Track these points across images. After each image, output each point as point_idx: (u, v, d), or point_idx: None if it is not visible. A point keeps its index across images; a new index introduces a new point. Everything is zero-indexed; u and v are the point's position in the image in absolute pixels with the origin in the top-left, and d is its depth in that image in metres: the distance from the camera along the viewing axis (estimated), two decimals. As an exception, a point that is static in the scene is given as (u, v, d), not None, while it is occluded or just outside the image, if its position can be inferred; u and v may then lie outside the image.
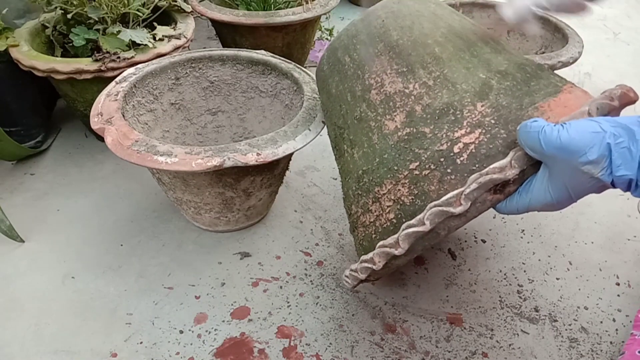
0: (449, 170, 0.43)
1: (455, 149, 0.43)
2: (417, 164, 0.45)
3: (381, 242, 0.46)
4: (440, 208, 0.41)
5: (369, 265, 0.48)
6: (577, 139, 0.36)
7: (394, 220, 0.46)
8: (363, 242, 0.51)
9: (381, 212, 0.47)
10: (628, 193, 0.37)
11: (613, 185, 0.37)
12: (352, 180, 0.52)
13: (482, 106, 0.44)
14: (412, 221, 0.43)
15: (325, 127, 0.62)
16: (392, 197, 0.46)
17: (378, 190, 0.47)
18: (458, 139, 0.43)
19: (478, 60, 0.48)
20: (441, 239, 0.44)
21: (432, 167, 0.44)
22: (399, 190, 0.45)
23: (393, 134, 0.47)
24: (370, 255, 0.47)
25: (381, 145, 0.48)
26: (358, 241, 0.53)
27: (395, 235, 0.44)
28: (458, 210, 0.40)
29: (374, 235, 0.49)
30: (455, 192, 0.41)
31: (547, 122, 0.39)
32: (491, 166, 0.40)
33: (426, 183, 0.44)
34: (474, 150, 0.42)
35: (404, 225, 0.44)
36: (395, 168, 0.46)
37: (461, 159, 0.43)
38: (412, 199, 0.44)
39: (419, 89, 0.47)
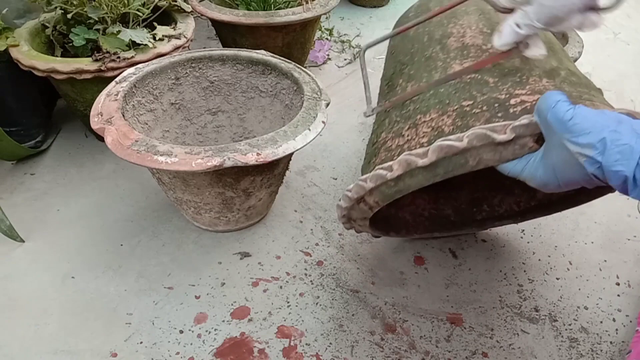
0: (499, 115, 0.44)
1: (512, 101, 0.45)
2: (471, 102, 0.46)
3: (408, 152, 0.46)
4: (484, 131, 0.41)
5: (383, 173, 0.47)
6: (579, 120, 0.37)
7: (425, 144, 0.46)
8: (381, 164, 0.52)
9: (414, 136, 0.48)
10: None
11: (604, 181, 0.37)
12: (393, 110, 0.54)
13: (547, 82, 0.46)
14: (450, 137, 0.43)
15: (383, 69, 0.65)
16: (432, 125, 0.47)
17: (420, 118, 0.49)
18: (517, 95, 0.45)
19: (554, 54, 0.51)
20: (464, 170, 0.43)
21: (484, 108, 0.45)
22: (443, 120, 0.46)
23: (460, 74, 0.49)
24: (389, 163, 0.47)
25: (440, 82, 0.50)
26: (373, 167, 0.52)
27: (426, 148, 0.44)
28: (501, 137, 0.41)
29: (398, 154, 0.49)
30: (504, 122, 0.42)
31: (569, 100, 0.39)
32: None
33: (472, 119, 0.45)
34: (528, 107, 0.43)
35: (438, 140, 0.44)
36: (447, 102, 0.47)
37: (514, 109, 0.44)
38: (452, 128, 0.45)
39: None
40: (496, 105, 0.45)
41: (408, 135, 0.49)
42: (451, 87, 0.49)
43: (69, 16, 0.86)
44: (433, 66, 0.52)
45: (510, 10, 0.45)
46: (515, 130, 0.41)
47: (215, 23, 1.11)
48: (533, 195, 0.69)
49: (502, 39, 0.46)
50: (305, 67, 1.02)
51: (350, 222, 0.59)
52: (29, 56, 0.81)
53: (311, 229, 0.78)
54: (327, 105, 0.69)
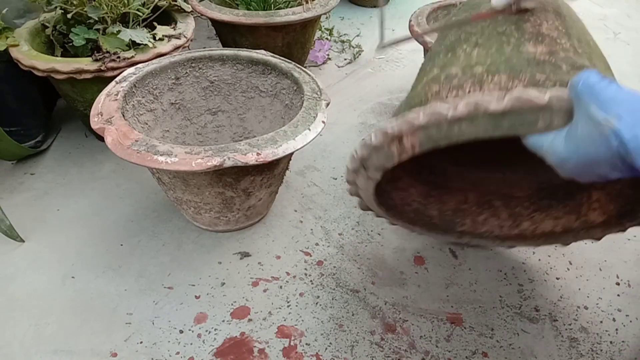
0: None
1: None
2: (544, 77, 0.46)
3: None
4: (565, 94, 0.40)
5: (444, 109, 0.43)
6: (611, 91, 0.35)
7: None
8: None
9: (478, 91, 0.47)
10: None
11: (626, 160, 0.34)
12: (454, 68, 0.53)
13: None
14: (532, 90, 0.42)
15: (438, 39, 0.64)
16: (501, 85, 0.46)
17: (487, 77, 0.48)
18: None
19: (605, 68, 0.53)
20: (526, 131, 0.42)
21: (557, 85, 0.45)
22: (514, 83, 0.46)
23: (530, 53, 0.49)
24: (454, 101, 0.44)
25: (513, 54, 0.50)
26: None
27: (503, 93, 0.42)
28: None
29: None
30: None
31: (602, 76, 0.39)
32: None
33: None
34: None
35: (518, 91, 0.42)
36: (520, 69, 0.47)
37: None
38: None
39: (569, 47, 0.51)
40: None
41: (470, 89, 0.47)
42: (524, 60, 0.49)
43: (69, 16, 0.86)
44: (505, 41, 0.52)
45: None
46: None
47: (215, 23, 1.11)
48: (518, 224, 0.69)
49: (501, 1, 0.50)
50: (305, 67, 1.02)
51: (359, 173, 0.55)
52: (29, 56, 0.81)
53: (311, 229, 0.78)
54: (327, 105, 0.69)
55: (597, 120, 0.35)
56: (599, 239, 0.64)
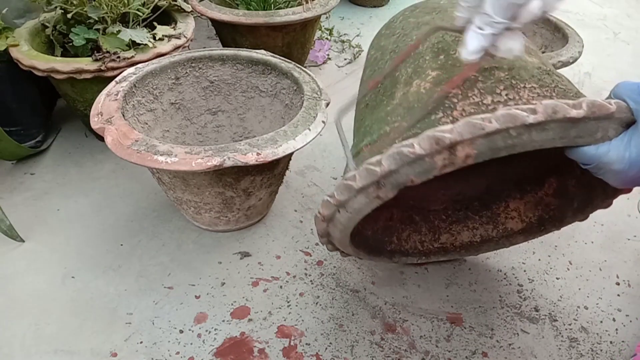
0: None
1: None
2: (564, 87, 0.46)
3: (437, 129, 0.40)
4: (601, 102, 0.40)
5: (479, 122, 0.39)
6: None
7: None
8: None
9: (512, 99, 0.44)
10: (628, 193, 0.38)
11: None
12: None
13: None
14: (567, 100, 0.40)
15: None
16: (536, 95, 0.45)
17: (519, 84, 0.46)
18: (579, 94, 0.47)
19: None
20: (551, 144, 0.41)
21: (551, 93, 0.45)
22: (545, 92, 0.45)
23: (534, 64, 0.49)
24: (487, 115, 0.39)
25: (519, 62, 0.49)
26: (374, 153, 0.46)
27: (536, 104, 0.39)
28: (611, 111, 0.40)
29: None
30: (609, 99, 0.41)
31: None
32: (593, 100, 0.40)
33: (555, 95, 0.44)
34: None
35: (552, 100, 0.39)
36: (540, 80, 0.47)
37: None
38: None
39: (545, 61, 0.52)
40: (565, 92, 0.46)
41: (506, 95, 0.44)
42: (535, 69, 0.48)
43: (69, 16, 0.86)
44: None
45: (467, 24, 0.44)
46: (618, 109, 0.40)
47: (215, 23, 1.11)
48: (437, 237, 0.69)
49: (468, 48, 0.42)
50: (305, 67, 1.02)
51: (363, 191, 0.45)
52: (29, 56, 0.81)
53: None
54: (327, 105, 0.69)
55: None
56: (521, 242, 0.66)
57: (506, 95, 0.44)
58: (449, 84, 0.46)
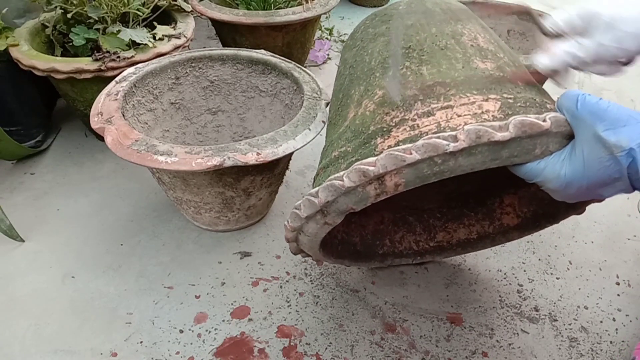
0: (542, 111, 0.42)
1: (548, 106, 0.44)
2: (512, 97, 0.44)
3: (480, 123, 0.39)
4: (563, 117, 0.39)
5: (443, 143, 0.38)
6: (614, 111, 0.36)
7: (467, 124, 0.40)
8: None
9: (450, 117, 0.42)
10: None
11: (636, 179, 0.35)
12: (409, 90, 0.47)
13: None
14: (531, 115, 0.39)
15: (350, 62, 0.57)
16: (474, 109, 0.42)
17: (456, 99, 0.44)
18: (547, 102, 0.45)
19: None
20: (522, 160, 0.40)
21: (528, 104, 0.43)
22: (487, 105, 0.42)
23: (483, 70, 0.47)
24: (453, 132, 0.39)
25: (467, 72, 0.47)
26: (398, 140, 0.44)
27: (505, 121, 0.39)
28: (452, 147, 0.39)
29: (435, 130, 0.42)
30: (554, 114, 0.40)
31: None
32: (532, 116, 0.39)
33: (521, 111, 0.42)
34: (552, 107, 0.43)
35: (519, 116, 0.38)
36: (484, 89, 0.44)
37: (548, 106, 0.44)
38: (502, 116, 0.41)
39: (508, 61, 0.49)
40: (537, 104, 0.43)
41: (442, 115, 0.42)
42: (482, 78, 0.46)
43: (68, 16, 0.86)
44: (452, 56, 0.48)
45: (556, 35, 0.44)
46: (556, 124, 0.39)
47: (215, 23, 1.11)
48: (433, 236, 0.69)
49: (550, 63, 0.45)
50: (305, 67, 1.02)
51: (312, 220, 0.48)
52: (29, 56, 0.81)
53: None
54: (327, 104, 0.69)
55: (606, 142, 0.35)
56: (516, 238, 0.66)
57: (442, 115, 0.42)
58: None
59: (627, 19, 0.41)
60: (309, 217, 0.47)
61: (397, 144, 0.42)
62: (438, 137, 0.38)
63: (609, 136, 0.35)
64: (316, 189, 0.45)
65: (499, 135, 0.38)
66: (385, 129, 0.44)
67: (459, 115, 0.41)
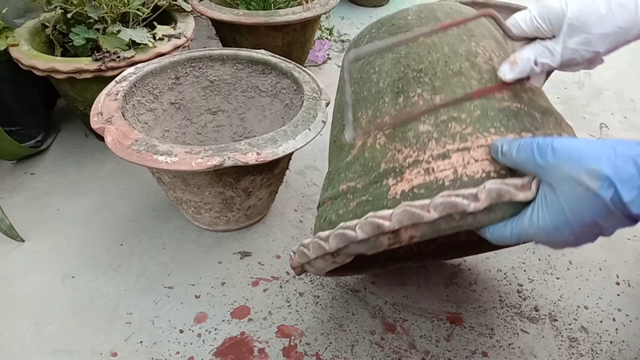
0: None
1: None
2: (530, 135, 0.42)
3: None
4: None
5: (465, 202, 0.37)
6: (573, 146, 0.33)
7: (483, 172, 0.39)
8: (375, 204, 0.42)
9: (464, 164, 0.40)
10: None
11: (625, 207, 0.31)
12: (422, 124, 0.44)
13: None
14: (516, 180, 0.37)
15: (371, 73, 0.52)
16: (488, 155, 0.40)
17: (472, 139, 0.41)
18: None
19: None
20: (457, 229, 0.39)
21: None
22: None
23: (500, 100, 0.44)
24: (473, 190, 0.38)
25: (483, 103, 0.44)
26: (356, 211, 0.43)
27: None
28: (472, 207, 0.37)
29: (431, 188, 0.40)
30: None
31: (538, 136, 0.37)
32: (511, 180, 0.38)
33: None
34: None
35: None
36: (502, 125, 0.42)
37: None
38: None
39: (524, 84, 0.47)
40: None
41: (458, 158, 0.41)
42: (498, 111, 0.43)
43: (69, 16, 0.86)
44: (466, 83, 0.45)
45: (524, 40, 0.42)
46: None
47: (215, 22, 1.11)
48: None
49: (514, 73, 0.42)
50: (305, 67, 1.02)
51: (321, 259, 0.46)
52: (29, 56, 0.81)
53: (311, 229, 0.78)
54: (327, 104, 0.69)
55: (578, 179, 0.32)
56: None
57: (458, 159, 0.41)
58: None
59: (594, 20, 0.38)
60: (317, 258, 0.46)
61: (411, 190, 0.40)
62: (458, 196, 0.37)
63: (577, 172, 0.32)
64: (326, 233, 0.44)
65: (522, 196, 0.37)
66: (397, 170, 0.42)
67: (476, 160, 0.40)
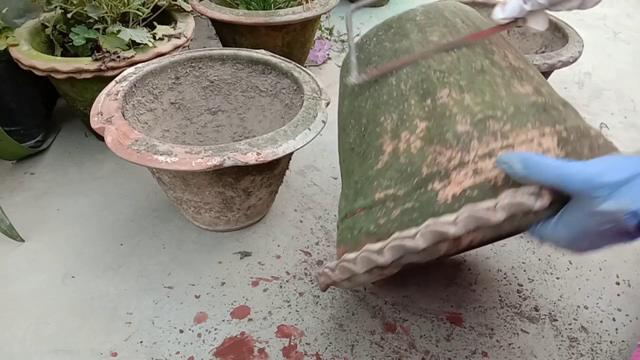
0: (594, 144, 0.42)
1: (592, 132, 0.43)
2: (562, 127, 0.42)
3: (439, 220, 0.38)
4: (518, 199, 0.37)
5: (525, 203, 0.36)
6: (597, 174, 0.33)
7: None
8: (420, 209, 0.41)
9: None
10: None
11: None
12: (459, 125, 0.44)
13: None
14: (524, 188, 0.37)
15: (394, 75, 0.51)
16: (534, 145, 0.40)
17: (513, 135, 0.41)
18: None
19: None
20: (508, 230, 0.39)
21: (576, 139, 0.41)
22: (544, 141, 0.41)
23: (524, 95, 0.45)
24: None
25: (512, 100, 0.44)
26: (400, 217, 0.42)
27: (462, 215, 0.37)
28: (538, 205, 0.37)
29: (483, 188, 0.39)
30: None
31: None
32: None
33: (579, 145, 0.41)
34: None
35: (475, 207, 0.37)
36: (537, 121, 0.42)
37: (592, 132, 0.43)
38: (563, 154, 0.40)
39: (539, 78, 0.48)
40: (586, 135, 0.42)
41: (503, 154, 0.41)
42: (528, 107, 0.43)
43: (69, 15, 0.86)
44: (492, 81, 0.45)
45: None
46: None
47: (215, 22, 1.11)
48: None
49: (505, 13, 0.44)
50: (305, 67, 1.02)
51: (368, 273, 0.44)
52: (29, 55, 0.81)
53: (311, 229, 0.78)
54: (327, 104, 0.69)
55: (612, 213, 0.32)
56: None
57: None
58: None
59: None
60: (364, 272, 0.44)
61: (463, 192, 0.39)
62: (523, 195, 0.37)
63: (604, 206, 0.32)
64: (378, 245, 0.42)
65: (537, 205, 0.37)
66: (442, 173, 0.41)
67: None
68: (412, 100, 0.46)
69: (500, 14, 0.45)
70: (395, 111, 0.47)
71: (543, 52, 1.08)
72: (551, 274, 0.72)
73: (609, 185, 0.32)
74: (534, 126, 0.41)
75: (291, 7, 1.12)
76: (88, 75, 0.79)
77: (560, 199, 0.37)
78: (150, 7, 0.92)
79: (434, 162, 0.42)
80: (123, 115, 0.64)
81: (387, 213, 0.43)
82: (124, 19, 0.89)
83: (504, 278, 0.71)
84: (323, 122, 0.65)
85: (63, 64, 0.79)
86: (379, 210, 0.44)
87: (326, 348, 0.61)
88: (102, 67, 0.79)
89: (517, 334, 0.63)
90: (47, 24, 0.91)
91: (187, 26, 0.94)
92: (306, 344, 0.61)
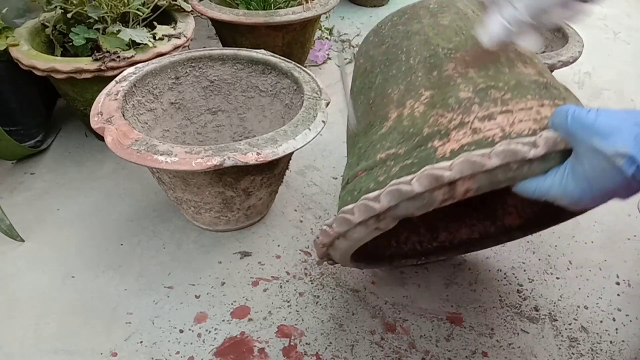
0: None
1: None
2: (562, 103, 0.44)
3: (435, 166, 0.40)
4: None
5: (519, 150, 0.38)
6: (604, 120, 0.35)
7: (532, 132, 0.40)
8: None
9: (510, 124, 0.41)
10: None
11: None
12: (462, 92, 0.45)
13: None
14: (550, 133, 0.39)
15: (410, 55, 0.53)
16: (532, 113, 0.42)
17: (513, 103, 0.43)
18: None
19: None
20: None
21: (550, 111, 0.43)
22: (542, 109, 0.42)
23: (527, 74, 0.46)
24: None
25: (515, 76, 0.46)
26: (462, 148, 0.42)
27: (458, 160, 0.38)
28: (532, 153, 0.38)
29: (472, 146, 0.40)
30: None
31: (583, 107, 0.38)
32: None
33: None
34: None
35: (471, 154, 0.39)
36: (537, 94, 0.44)
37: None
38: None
39: (542, 66, 0.50)
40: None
41: (501, 118, 0.42)
42: (530, 83, 0.45)
43: (69, 15, 0.86)
44: (497, 60, 0.48)
45: (493, 2, 0.43)
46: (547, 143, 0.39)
47: (215, 22, 1.11)
48: (435, 236, 0.69)
49: (491, 38, 0.44)
50: (305, 67, 1.02)
51: (363, 225, 0.45)
52: (29, 55, 0.81)
53: (311, 229, 0.78)
54: (327, 104, 0.69)
55: (606, 154, 0.34)
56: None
57: (503, 120, 0.42)
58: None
59: None
60: (361, 223, 0.44)
61: (461, 148, 0.40)
62: (518, 143, 0.38)
63: (605, 148, 0.34)
64: (375, 193, 0.42)
65: (532, 153, 0.38)
66: (442, 132, 0.43)
67: (521, 121, 0.41)
68: (419, 72, 0.49)
69: (486, 39, 0.44)
70: (403, 83, 0.49)
71: (543, 52, 1.08)
72: (551, 274, 0.72)
73: (604, 129, 0.35)
74: (533, 98, 0.43)
75: (291, 7, 1.12)
76: (88, 75, 0.79)
77: (554, 152, 0.38)
78: (150, 7, 0.92)
79: (435, 123, 0.44)
80: (123, 115, 0.64)
81: (387, 171, 0.44)
82: (124, 19, 0.88)
83: (504, 278, 0.71)
84: (323, 122, 0.65)
85: (63, 64, 0.79)
86: (379, 170, 0.45)
87: (326, 348, 0.61)
88: (102, 67, 0.79)
89: (517, 333, 0.63)
90: (47, 24, 0.91)
91: (187, 26, 0.94)
92: (306, 344, 0.61)
